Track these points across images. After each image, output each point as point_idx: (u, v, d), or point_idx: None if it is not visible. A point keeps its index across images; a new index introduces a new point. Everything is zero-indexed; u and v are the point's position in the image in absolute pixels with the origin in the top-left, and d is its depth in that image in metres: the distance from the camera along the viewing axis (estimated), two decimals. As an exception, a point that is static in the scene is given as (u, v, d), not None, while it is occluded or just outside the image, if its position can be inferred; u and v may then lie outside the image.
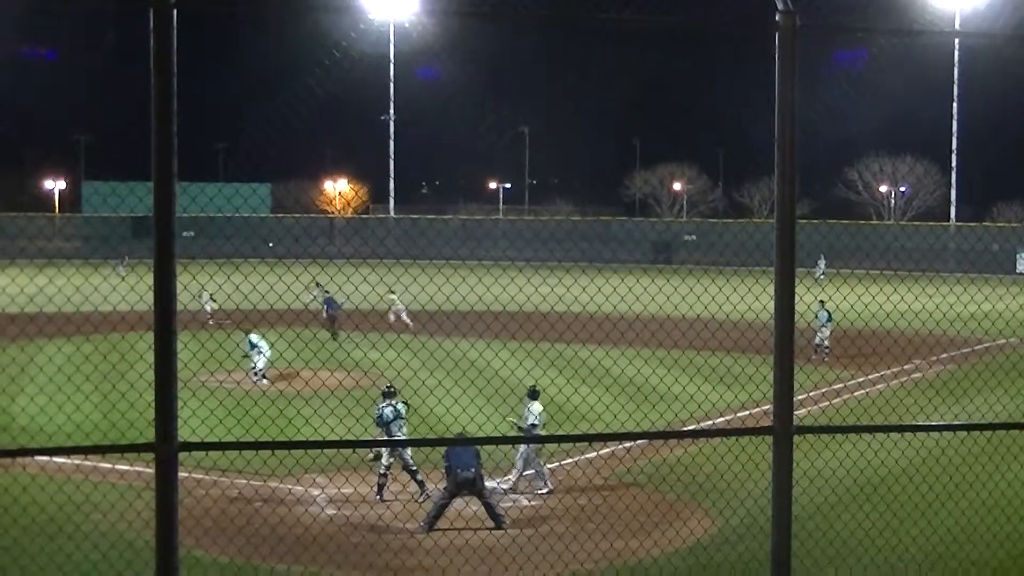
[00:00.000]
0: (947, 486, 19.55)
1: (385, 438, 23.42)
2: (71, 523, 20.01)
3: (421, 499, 22.67)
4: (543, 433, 24.07)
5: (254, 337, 38.09)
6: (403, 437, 23.39)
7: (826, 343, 43.58)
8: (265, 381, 37.06)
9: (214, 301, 52.06)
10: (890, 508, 20.70)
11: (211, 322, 51.84)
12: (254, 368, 37.43)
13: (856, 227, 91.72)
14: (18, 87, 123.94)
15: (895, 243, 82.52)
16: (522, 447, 24.13)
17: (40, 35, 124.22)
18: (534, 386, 25.23)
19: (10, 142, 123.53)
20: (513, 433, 24.33)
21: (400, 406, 23.89)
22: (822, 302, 42.79)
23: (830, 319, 43.59)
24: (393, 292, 50.92)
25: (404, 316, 51.24)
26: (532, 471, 24.17)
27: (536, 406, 24.63)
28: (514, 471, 24.27)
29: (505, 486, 24.06)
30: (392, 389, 24.25)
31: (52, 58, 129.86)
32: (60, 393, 26.72)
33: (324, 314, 50.51)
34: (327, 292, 49.48)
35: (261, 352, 37.63)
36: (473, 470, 21.16)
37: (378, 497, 22.90)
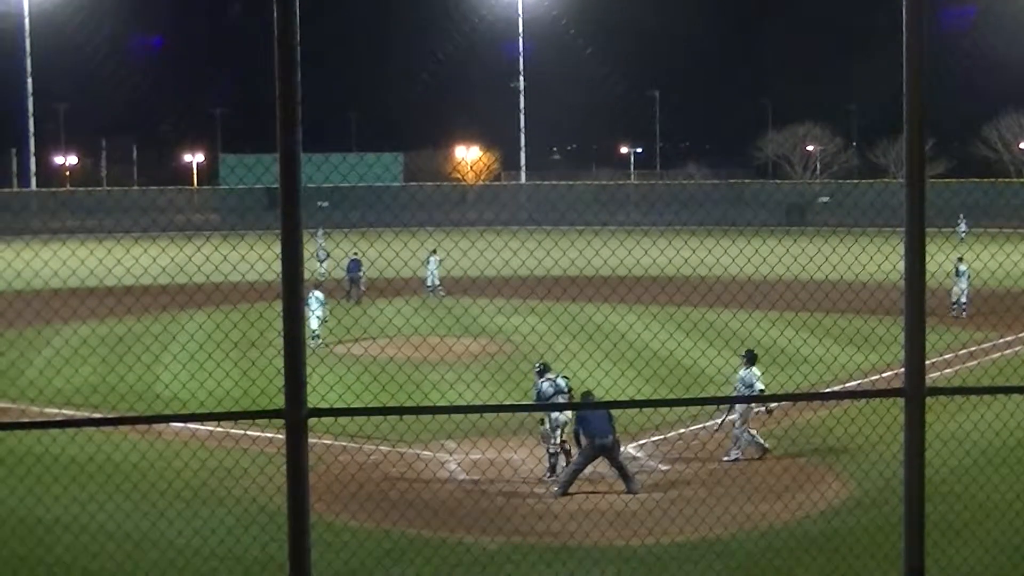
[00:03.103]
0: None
1: (544, 412, 22.60)
2: (206, 488, 20.42)
3: (548, 478, 22.20)
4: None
5: (313, 296, 38.03)
6: (562, 414, 22.11)
7: (964, 300, 43.35)
8: (314, 342, 36.62)
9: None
10: (1028, 471, 20.31)
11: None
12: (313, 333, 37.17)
13: (992, 185, 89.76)
14: (156, 63, 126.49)
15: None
16: (735, 415, 23.89)
17: (174, 11, 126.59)
18: (751, 350, 24.66)
19: (151, 117, 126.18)
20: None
21: (561, 380, 22.76)
22: (960, 259, 42.71)
23: (967, 276, 43.32)
24: (435, 254, 50.93)
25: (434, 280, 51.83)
26: (737, 435, 23.79)
27: (748, 372, 24.10)
28: (735, 440, 23.87)
29: (726, 457, 23.68)
30: (545, 366, 23.43)
31: (178, 38, 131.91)
32: (193, 362, 27.25)
33: (346, 278, 50.47)
34: (355, 254, 49.53)
35: (312, 312, 37.26)
36: (610, 436, 21.10)
37: (550, 476, 22.22)
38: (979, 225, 70.75)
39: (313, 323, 37.12)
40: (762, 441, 23.77)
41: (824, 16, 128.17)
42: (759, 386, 23.81)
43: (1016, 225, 62.09)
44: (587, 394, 22.61)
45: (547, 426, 22.41)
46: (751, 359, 24.30)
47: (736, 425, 23.79)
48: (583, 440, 21.34)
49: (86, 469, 20.56)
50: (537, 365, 23.68)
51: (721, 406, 24.30)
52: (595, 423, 21.06)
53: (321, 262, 56.37)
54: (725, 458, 23.55)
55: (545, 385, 22.73)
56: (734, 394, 23.92)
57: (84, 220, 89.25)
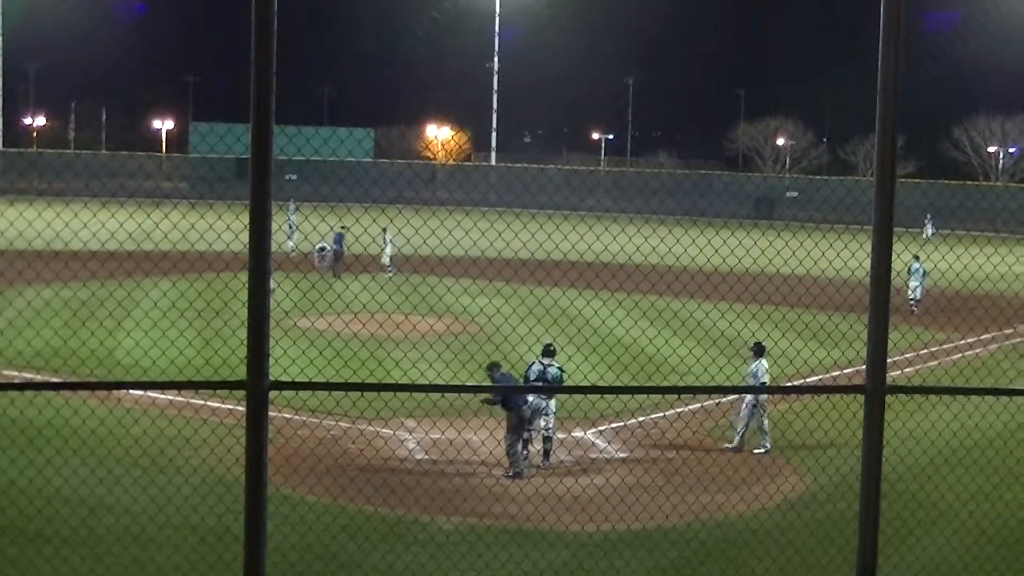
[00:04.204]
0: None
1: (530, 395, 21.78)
2: (164, 457, 20.35)
3: (544, 465, 22.10)
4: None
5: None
6: (546, 403, 22.02)
7: (917, 296, 43.96)
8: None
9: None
10: (983, 472, 20.45)
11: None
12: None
13: (961, 187, 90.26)
14: (130, 28, 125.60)
15: (997, 203, 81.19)
16: (743, 404, 23.99)
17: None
18: (759, 342, 24.67)
19: (122, 82, 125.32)
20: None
21: (552, 369, 22.38)
22: (916, 257, 43.33)
23: (923, 275, 43.99)
24: (387, 232, 50.07)
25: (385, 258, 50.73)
26: (755, 426, 23.81)
27: (757, 364, 24.26)
28: (740, 426, 23.93)
29: (728, 445, 23.87)
30: (552, 348, 22.97)
31: (153, 2, 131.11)
32: (156, 329, 27.11)
33: (329, 251, 49.84)
34: (341, 228, 48.80)
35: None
36: (527, 405, 21.15)
37: (544, 463, 22.14)
38: (946, 226, 71.08)
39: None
40: (766, 439, 23.75)
41: (803, 11, 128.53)
42: (764, 379, 23.94)
43: (983, 228, 62.48)
44: (494, 365, 22.42)
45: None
46: (759, 351, 24.42)
47: (751, 414, 23.83)
48: (508, 414, 21.29)
49: (43, 433, 20.46)
50: (546, 345, 23.21)
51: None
52: (516, 397, 21.06)
53: (289, 236, 56.13)
54: (757, 451, 23.68)
55: (534, 368, 22.54)
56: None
57: (51, 182, 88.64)
